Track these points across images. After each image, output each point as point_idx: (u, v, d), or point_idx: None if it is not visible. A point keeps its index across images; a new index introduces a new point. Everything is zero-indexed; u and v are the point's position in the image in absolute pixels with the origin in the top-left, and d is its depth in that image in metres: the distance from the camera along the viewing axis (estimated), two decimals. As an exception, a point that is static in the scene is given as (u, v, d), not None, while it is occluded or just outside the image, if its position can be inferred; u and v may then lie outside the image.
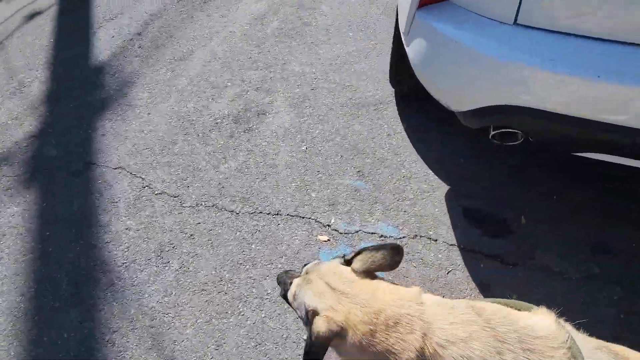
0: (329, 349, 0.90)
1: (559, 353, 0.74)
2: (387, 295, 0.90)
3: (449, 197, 1.86)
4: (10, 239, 1.96)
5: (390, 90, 2.43)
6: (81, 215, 2.03)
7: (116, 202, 2.06)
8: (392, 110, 2.31)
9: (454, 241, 1.71)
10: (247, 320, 1.59)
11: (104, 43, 3.16)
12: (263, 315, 1.60)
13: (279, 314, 1.60)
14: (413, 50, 1.47)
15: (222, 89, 2.63)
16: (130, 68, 2.90)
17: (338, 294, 0.91)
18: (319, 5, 3.24)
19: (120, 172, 2.20)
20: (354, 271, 0.96)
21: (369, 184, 1.97)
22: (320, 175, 2.06)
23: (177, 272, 1.76)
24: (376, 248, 0.96)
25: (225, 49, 2.96)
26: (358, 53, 2.74)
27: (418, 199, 1.88)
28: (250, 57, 2.85)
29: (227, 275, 1.73)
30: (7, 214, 2.07)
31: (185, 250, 1.83)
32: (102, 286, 1.75)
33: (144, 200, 2.05)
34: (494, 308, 0.86)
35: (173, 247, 1.85)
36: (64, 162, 2.30)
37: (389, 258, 0.95)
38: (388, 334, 0.84)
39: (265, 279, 1.69)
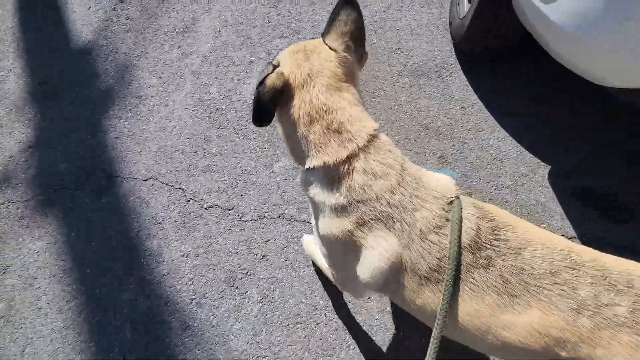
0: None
1: (438, 202, 0.82)
2: (349, 105, 0.88)
3: (553, 179, 1.61)
4: (44, 282, 1.62)
5: (449, 51, 2.06)
6: (122, 243, 1.68)
7: (160, 222, 1.71)
8: (458, 77, 1.96)
9: (574, 232, 1.49)
10: (360, 357, 1.38)
11: (82, 17, 2.55)
12: (377, 348, 1.39)
13: (397, 344, 1.39)
14: (563, 10, 1.10)
15: (247, 66, 2.18)
16: (125, 47, 2.37)
17: (307, 66, 0.88)
18: (334, -53, 2.68)
19: (153, 184, 1.82)
20: (335, 50, 0.90)
21: (457, 171, 1.69)
22: (396, 166, 1.75)
23: (261, 305, 1.49)
24: (331, 17, 0.91)
25: (235, 14, 2.43)
26: (398, 5, 2.30)
27: (518, 184, 1.62)
28: (269, 22, 2.35)
29: (320, 301, 1.48)
30: (30, 251, 1.70)
31: (262, 276, 1.55)
32: (176, 330, 1.47)
33: (193, 218, 1.71)
34: (422, 170, 0.90)
35: (246, 274, 1.56)
36: (79, 177, 1.88)
37: (351, 11, 0.89)
38: (324, 133, 0.86)
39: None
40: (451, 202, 0.81)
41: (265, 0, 2.45)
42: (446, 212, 0.80)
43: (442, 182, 0.86)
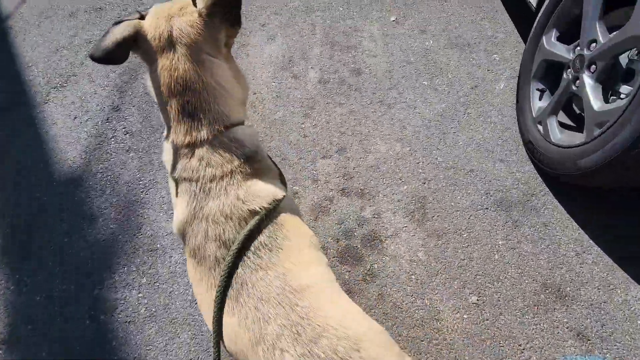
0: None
1: (236, 202, 0.80)
2: (206, 89, 0.81)
3: None
4: None
5: (530, 172, 1.67)
6: None
7: None
8: (555, 208, 1.56)
9: None
10: None
11: (65, 132, 1.95)
12: None
13: None
14: None
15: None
16: (127, 175, 1.78)
17: (167, 28, 0.80)
18: (359, 41, 2.32)
19: (192, 402, 1.22)
20: (199, 14, 0.80)
21: (608, 357, 1.25)
22: (526, 351, 1.28)
23: None
24: None
25: (262, 125, 1.96)
26: (452, 113, 1.92)
27: (692, 373, 1.21)
28: (304, 135, 1.89)
29: None
30: None
31: None
32: None
33: None
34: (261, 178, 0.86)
35: None
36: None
37: None
38: (178, 111, 0.82)
39: None
40: (249, 209, 0.81)
41: (293, 107, 2.00)
42: (238, 213, 0.80)
43: (256, 191, 0.82)
